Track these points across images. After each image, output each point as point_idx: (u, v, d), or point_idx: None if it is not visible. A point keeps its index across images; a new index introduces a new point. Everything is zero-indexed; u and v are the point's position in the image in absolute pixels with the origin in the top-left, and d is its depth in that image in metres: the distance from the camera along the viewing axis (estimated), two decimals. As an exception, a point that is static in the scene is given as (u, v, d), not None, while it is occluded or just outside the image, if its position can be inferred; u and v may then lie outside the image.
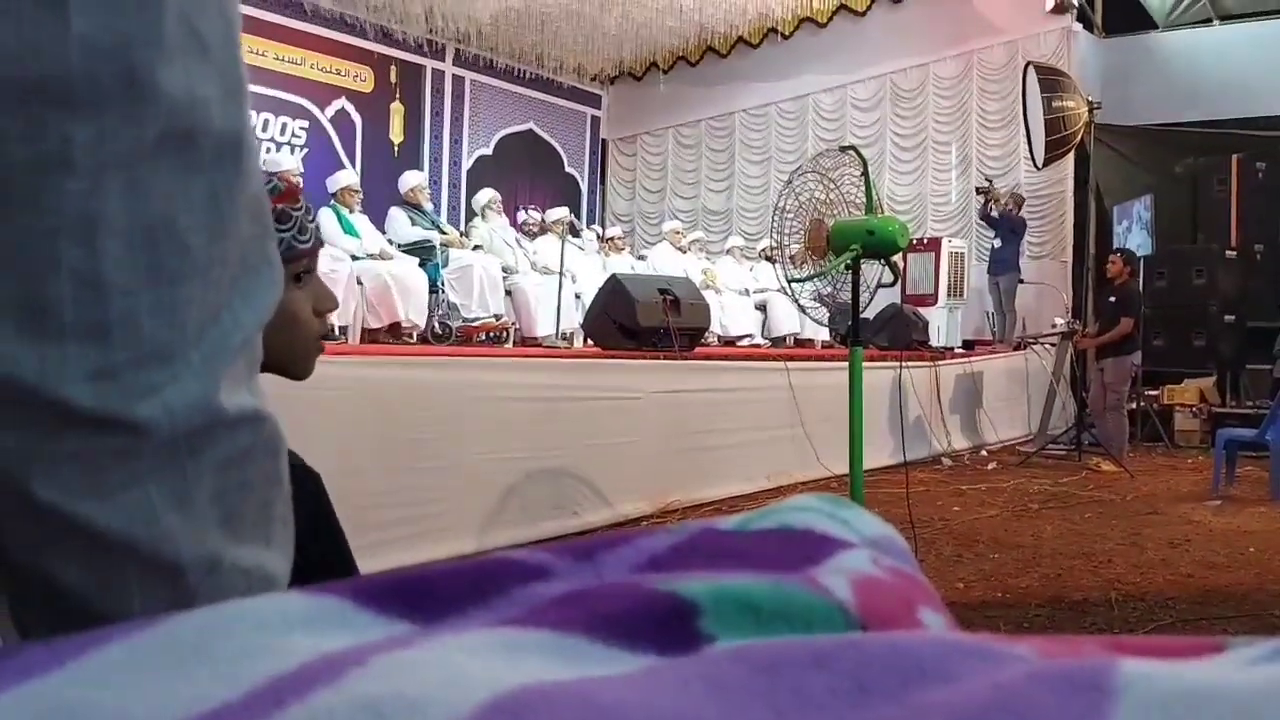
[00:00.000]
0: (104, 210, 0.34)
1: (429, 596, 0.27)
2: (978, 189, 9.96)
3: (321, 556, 0.98)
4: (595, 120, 13.81)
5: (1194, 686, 0.20)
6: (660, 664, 0.24)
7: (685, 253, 10.29)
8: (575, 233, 9.32)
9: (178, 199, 0.36)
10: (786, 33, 11.86)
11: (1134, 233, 9.86)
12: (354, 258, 6.97)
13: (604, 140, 13.95)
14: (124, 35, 0.34)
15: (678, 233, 10.54)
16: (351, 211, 7.33)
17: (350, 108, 10.70)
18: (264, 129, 9.72)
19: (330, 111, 10.47)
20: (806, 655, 0.23)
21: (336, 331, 6.89)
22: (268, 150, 9.02)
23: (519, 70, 12.37)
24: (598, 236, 9.98)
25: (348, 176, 7.70)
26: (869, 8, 11.34)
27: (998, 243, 9.60)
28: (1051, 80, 8.76)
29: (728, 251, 10.97)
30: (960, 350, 9.35)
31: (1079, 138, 8.89)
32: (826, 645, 0.23)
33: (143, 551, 0.38)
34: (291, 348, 1.09)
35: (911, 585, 0.29)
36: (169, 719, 0.21)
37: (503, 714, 0.20)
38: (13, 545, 0.39)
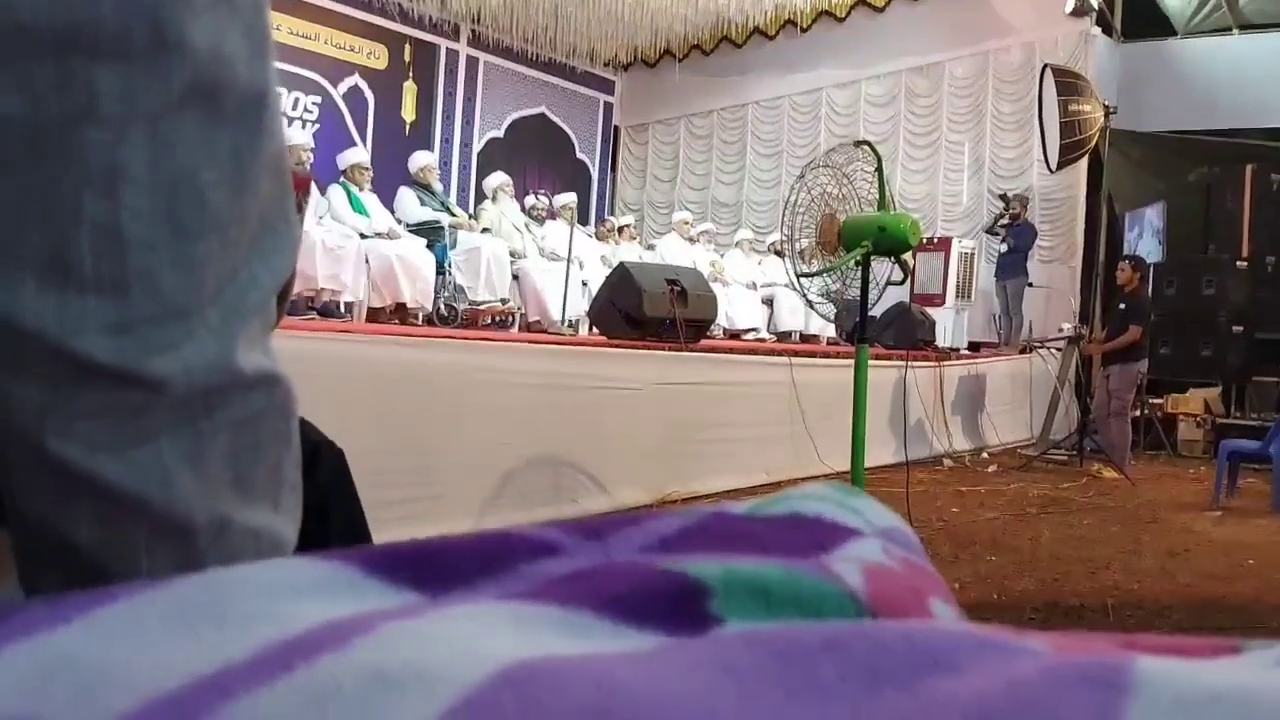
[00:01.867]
0: (128, 163, 0.34)
1: (438, 568, 0.27)
2: (1001, 197, 9.88)
3: (341, 530, 0.98)
4: (608, 106, 13.77)
5: (1212, 687, 0.19)
6: (669, 644, 0.24)
7: (694, 244, 10.27)
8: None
9: (201, 154, 0.36)
10: (804, 25, 11.81)
11: (1145, 240, 9.83)
12: (362, 236, 6.96)
13: (616, 127, 13.91)
14: None
15: (687, 223, 10.52)
16: (361, 189, 7.32)
17: (363, 85, 10.67)
18: (277, 104, 9.68)
19: (343, 88, 10.45)
20: (818, 640, 0.22)
21: (342, 309, 6.90)
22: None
23: (532, 53, 12.32)
24: (595, 235, 9.94)
25: (358, 154, 7.68)
26: (887, 4, 11.28)
27: (1005, 247, 9.58)
28: (1069, 83, 8.72)
29: (736, 244, 10.95)
30: (965, 352, 9.33)
31: (1094, 142, 8.86)
32: (839, 631, 0.23)
33: (154, 509, 0.38)
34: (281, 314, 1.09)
35: (922, 576, 0.29)
36: (174, 678, 0.21)
37: (511, 686, 0.20)
38: (24, 499, 0.38)
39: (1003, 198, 9.81)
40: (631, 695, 0.20)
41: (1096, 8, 9.77)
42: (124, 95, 0.34)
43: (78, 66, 0.33)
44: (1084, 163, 9.33)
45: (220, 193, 0.37)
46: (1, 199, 0.34)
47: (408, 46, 11.15)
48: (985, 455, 7.91)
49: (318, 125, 9.98)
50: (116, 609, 0.23)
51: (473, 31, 11.74)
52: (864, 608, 0.26)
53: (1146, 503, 6.02)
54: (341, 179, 7.32)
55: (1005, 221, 9.45)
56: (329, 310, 6.79)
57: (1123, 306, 7.35)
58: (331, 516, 1.01)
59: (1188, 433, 8.77)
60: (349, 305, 6.87)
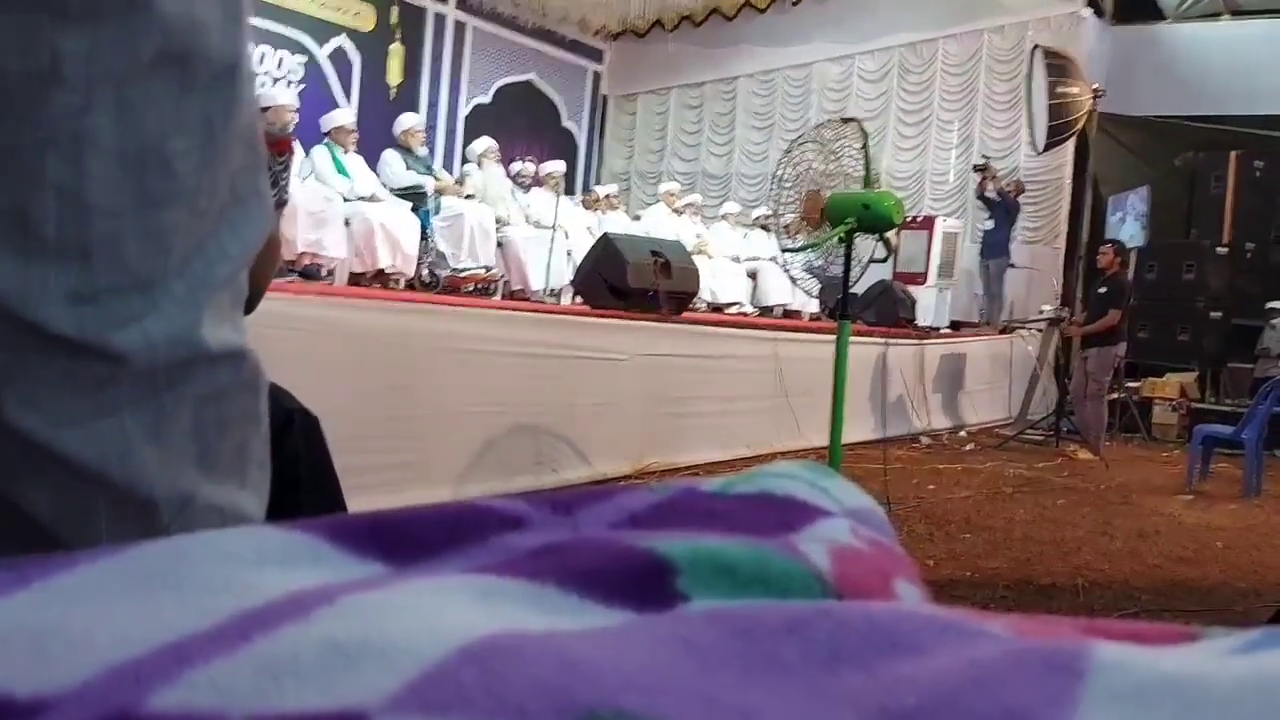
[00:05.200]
0: (93, 127, 0.33)
1: (405, 539, 0.27)
2: (975, 167, 9.94)
3: (314, 497, 0.98)
4: (596, 75, 13.67)
5: (1169, 674, 0.20)
6: (634, 620, 0.24)
7: (680, 215, 10.24)
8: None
9: (169, 122, 0.35)
10: (795, -1, 11.74)
11: (1127, 224, 9.87)
12: (344, 199, 6.90)
13: (604, 96, 13.81)
14: None
15: (672, 194, 10.48)
16: (345, 151, 7.25)
17: (349, 46, 10.53)
18: (261, 63, 9.54)
19: (328, 49, 10.31)
20: (781, 620, 0.22)
21: (324, 273, 6.85)
22: (263, 85, 8.89)
23: (522, 19, 12.20)
24: (581, 204, 9.90)
25: (343, 115, 7.59)
26: (880, -21, 11.23)
27: (990, 225, 9.60)
28: (1058, 65, 8.72)
29: (723, 217, 10.92)
30: (946, 331, 9.37)
31: (1081, 124, 8.87)
32: (802, 611, 0.23)
33: (115, 484, 0.37)
34: (266, 284, 1.08)
35: (889, 557, 0.29)
36: (133, 646, 0.21)
37: (473, 662, 0.20)
38: None
39: (976, 167, 9.81)
40: (595, 671, 0.20)
41: (1090, -10, 9.76)
42: (90, 58, 0.33)
43: (43, 25, 0.32)
44: (1070, 145, 9.34)
45: (189, 162, 0.36)
46: None
47: (395, 8, 11.00)
48: (963, 434, 7.97)
49: (303, 85, 9.86)
50: (76, 574, 0.23)
51: (461, -7, 11.61)
52: (830, 588, 0.26)
53: (1119, 485, 6.09)
54: (326, 140, 7.24)
55: (992, 192, 9.45)
56: (310, 273, 6.74)
57: (1103, 290, 7.39)
58: (303, 484, 1.01)
59: (1163, 417, 8.86)
60: (330, 270, 6.82)
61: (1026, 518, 4.88)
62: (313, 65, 10.14)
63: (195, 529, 0.39)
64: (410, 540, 0.27)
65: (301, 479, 1.02)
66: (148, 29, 0.34)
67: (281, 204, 1.12)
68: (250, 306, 1.13)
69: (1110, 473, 6.51)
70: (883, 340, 7.04)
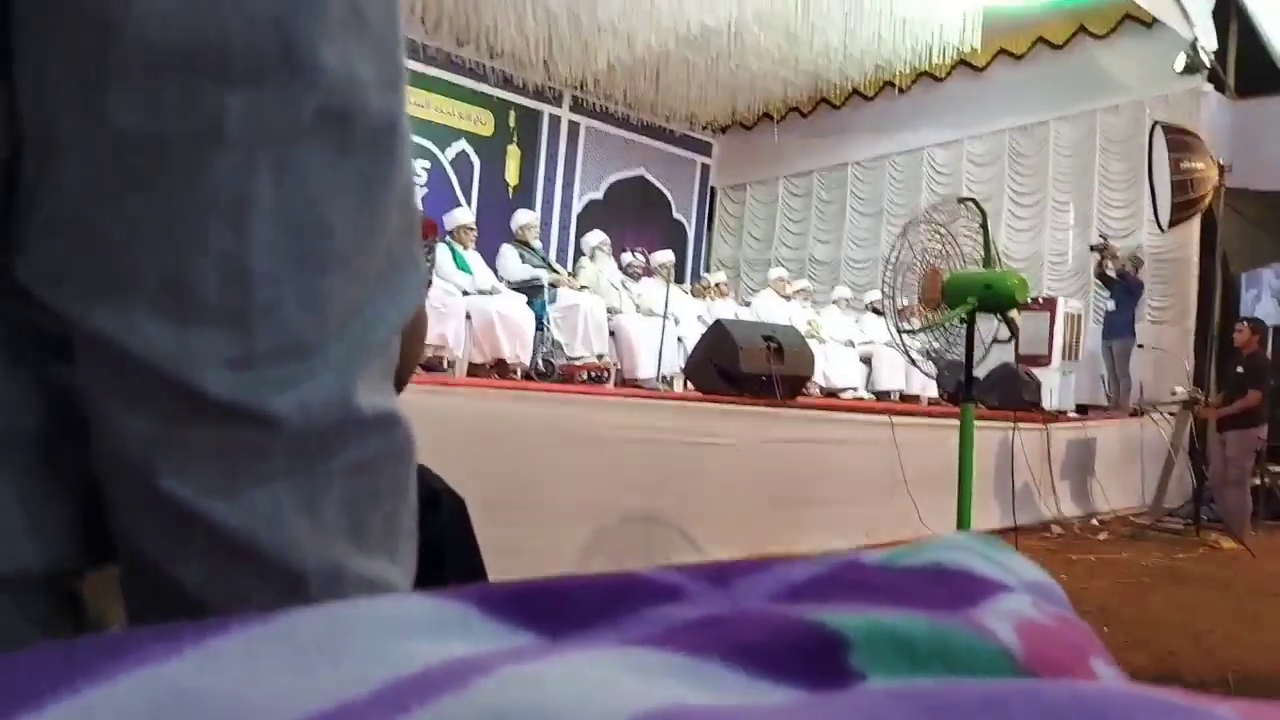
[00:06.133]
0: (254, 189, 0.33)
1: (556, 610, 0.26)
2: (1092, 246, 9.67)
3: (460, 577, 0.98)
4: (705, 168, 13.89)
5: None
6: (808, 699, 0.22)
7: (789, 301, 10.21)
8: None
9: (329, 183, 0.35)
10: (903, 86, 11.74)
11: (1264, 301, 9.43)
12: (464, 293, 7.11)
13: (712, 188, 14.00)
14: (286, 5, 0.33)
15: (783, 280, 10.47)
16: (466, 248, 7.50)
17: (469, 150, 10.97)
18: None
19: (451, 153, 10.76)
20: (976, 699, 0.20)
21: (445, 365, 7.03)
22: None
23: (632, 118, 12.53)
24: (691, 292, 9.99)
25: (463, 215, 7.89)
26: (989, 64, 11.16)
27: (1112, 305, 9.29)
28: (1180, 140, 8.47)
29: (834, 302, 10.84)
30: (1073, 415, 9.02)
31: (1207, 201, 8.56)
32: (1000, 690, 0.20)
33: (266, 555, 0.36)
34: (416, 359, 1.11)
35: (1080, 634, 0.26)
36: (289, 715, 0.20)
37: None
38: (133, 537, 0.37)
39: (1093, 247, 9.55)
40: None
41: (1210, 66, 9.49)
42: (251, 118, 0.33)
43: (205, 87, 0.32)
44: (1196, 222, 9.01)
45: (348, 225, 0.36)
46: (120, 219, 0.33)
47: (512, 113, 11.45)
48: (1095, 522, 7.59)
49: (426, 189, 10.28)
50: (230, 640, 0.23)
51: (574, 98, 12.00)
52: (1020, 667, 0.24)
53: (1268, 575, 5.69)
54: (447, 238, 7.51)
55: (1111, 271, 9.19)
56: (432, 366, 6.92)
57: (1240, 369, 7.04)
58: (449, 563, 1.01)
59: (1313, 503, 8.28)
60: (451, 362, 7.00)
61: (1168, 610, 4.59)
62: (437, 169, 10.58)
63: None
64: (562, 610, 0.26)
65: (447, 558, 1.02)
66: (309, 87, 0.34)
67: (428, 283, 1.17)
68: (401, 382, 1.15)
69: (1258, 562, 6.10)
70: (1007, 424, 6.81)
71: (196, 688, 0.21)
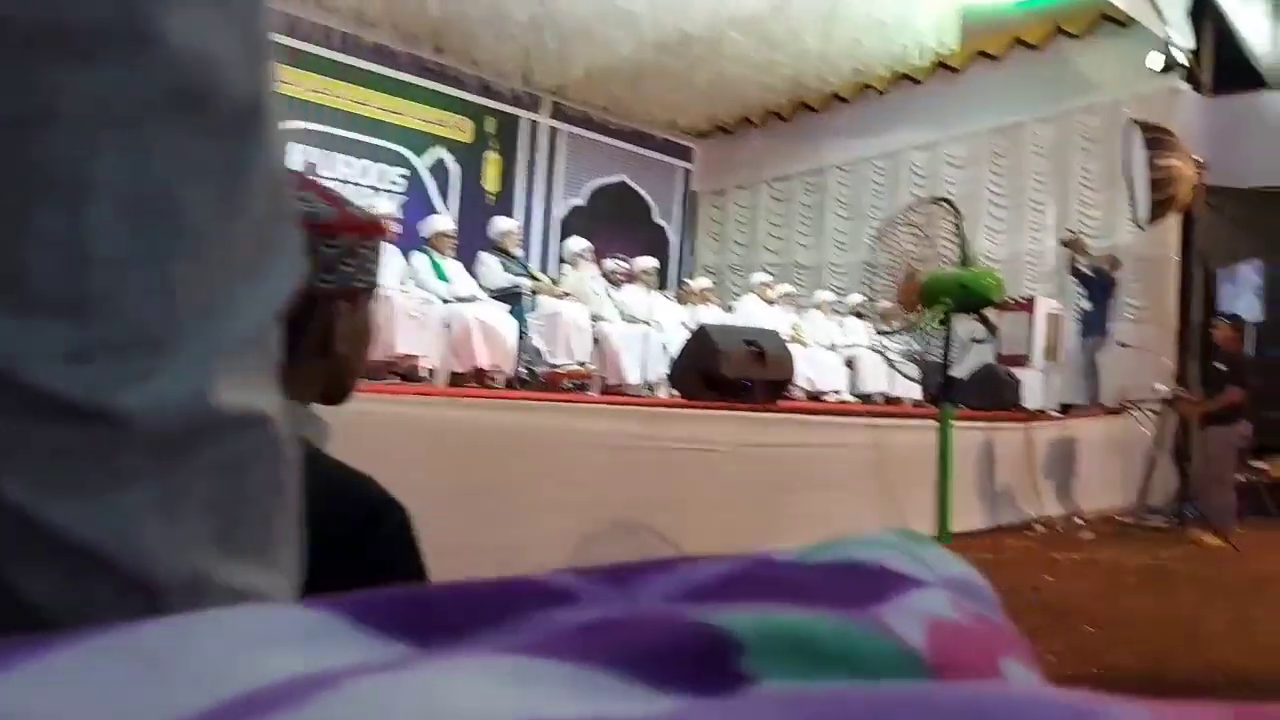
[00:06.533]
0: (93, 172, 0.31)
1: (435, 617, 0.24)
2: (1062, 241, 9.72)
3: None
4: (686, 173, 13.91)
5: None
6: (690, 706, 0.20)
7: (773, 305, 10.23)
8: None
9: (181, 165, 0.33)
10: (882, 89, 11.80)
11: (1243, 297, 9.48)
12: (443, 301, 7.08)
13: (694, 192, 14.02)
14: None
15: (766, 285, 10.49)
16: (444, 255, 7.47)
17: (448, 157, 10.94)
18: (364, 175, 10.00)
19: (428, 160, 10.73)
20: (864, 705, 0.19)
21: (428, 374, 7.00)
22: (368, 195, 9.28)
23: (613, 124, 12.53)
24: (675, 298, 10.01)
25: (441, 222, 7.85)
26: (966, 65, 11.22)
27: (1088, 304, 9.34)
28: (1156, 138, 8.52)
29: (816, 306, 10.87)
30: (1055, 414, 9.05)
31: (1186, 198, 8.61)
32: (889, 695, 0.19)
33: (119, 564, 0.33)
34: (360, 367, 1.10)
35: (994, 633, 0.25)
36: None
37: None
38: None
39: (1063, 242, 9.60)
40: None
41: (1187, 65, 9.55)
42: (89, 97, 0.31)
43: (37, 64, 0.30)
44: (1174, 220, 9.06)
45: (203, 211, 0.33)
46: None
47: (491, 119, 11.43)
48: (1078, 520, 7.61)
49: (405, 197, 10.25)
50: (63, 656, 0.21)
51: (554, 104, 11.99)
52: (924, 668, 0.22)
53: (1254, 573, 5.70)
54: (425, 245, 7.48)
55: (1084, 266, 9.23)
56: (410, 375, 6.89)
57: (1221, 366, 7.07)
58: (392, 577, 0.99)
59: (1297, 499, 8.32)
60: (430, 370, 6.96)
61: (1154, 609, 4.59)
62: (414, 176, 10.55)
63: None
64: (441, 618, 0.24)
65: (392, 570, 1.00)
66: (155, 64, 0.31)
67: (371, 287, 1.14)
68: (345, 390, 1.13)
69: (1242, 559, 6.12)
70: (989, 424, 6.82)
71: (19, 705, 0.19)
